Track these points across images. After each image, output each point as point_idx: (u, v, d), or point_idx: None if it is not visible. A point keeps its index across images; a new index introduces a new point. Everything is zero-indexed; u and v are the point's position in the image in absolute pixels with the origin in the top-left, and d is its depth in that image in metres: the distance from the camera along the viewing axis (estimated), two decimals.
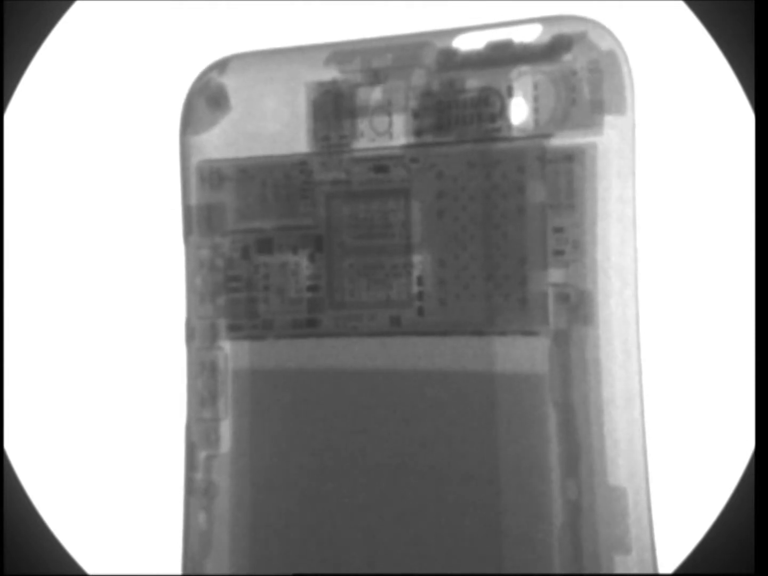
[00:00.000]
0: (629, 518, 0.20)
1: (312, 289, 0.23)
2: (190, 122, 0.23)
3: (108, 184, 0.25)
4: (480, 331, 0.21)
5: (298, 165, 0.23)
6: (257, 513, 0.23)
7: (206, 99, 0.23)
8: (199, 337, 0.23)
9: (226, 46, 0.23)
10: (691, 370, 0.21)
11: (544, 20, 0.21)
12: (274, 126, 0.23)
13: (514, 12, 0.21)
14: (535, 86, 0.21)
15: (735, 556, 0.20)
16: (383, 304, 0.22)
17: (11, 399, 0.25)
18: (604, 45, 0.20)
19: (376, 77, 0.22)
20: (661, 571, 0.20)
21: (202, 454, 0.23)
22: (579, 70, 0.21)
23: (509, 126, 0.21)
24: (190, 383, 0.23)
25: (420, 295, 0.22)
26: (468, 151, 0.21)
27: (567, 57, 0.21)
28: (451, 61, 0.22)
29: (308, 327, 0.23)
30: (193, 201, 0.23)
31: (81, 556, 0.24)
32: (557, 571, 0.21)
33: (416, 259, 0.22)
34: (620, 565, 0.20)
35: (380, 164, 0.22)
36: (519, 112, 0.21)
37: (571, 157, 0.21)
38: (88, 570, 0.24)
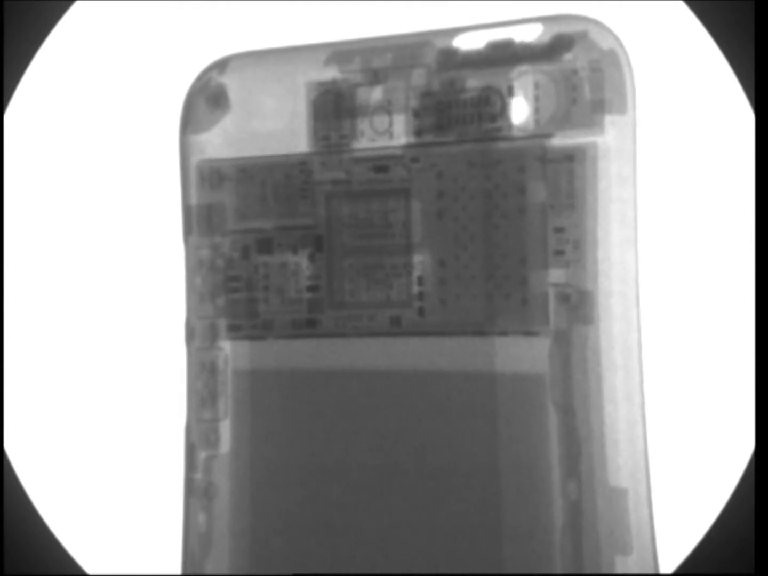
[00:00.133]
0: (630, 519, 0.20)
1: (312, 289, 0.23)
2: (190, 122, 0.23)
3: (108, 184, 0.25)
4: (480, 331, 0.21)
5: (298, 165, 0.23)
6: (257, 513, 0.23)
7: (206, 99, 0.23)
8: (199, 337, 0.23)
9: (226, 46, 0.23)
10: (691, 370, 0.21)
11: (544, 20, 0.21)
12: (274, 126, 0.23)
13: (514, 11, 0.21)
14: (536, 86, 0.21)
15: (735, 556, 0.20)
16: (383, 305, 0.22)
17: (11, 399, 0.25)
18: (605, 44, 0.20)
19: (376, 77, 0.22)
20: (661, 571, 0.20)
21: (201, 455, 0.23)
22: (580, 70, 0.21)
23: (510, 126, 0.21)
24: (189, 383, 0.23)
25: (420, 296, 0.22)
26: (468, 151, 0.21)
27: (568, 56, 0.21)
28: (451, 60, 0.22)
29: (308, 327, 0.23)
30: (193, 201, 0.23)
31: (81, 556, 0.24)
32: (558, 571, 0.21)
33: (416, 259, 0.22)
34: (621, 565, 0.20)
35: (380, 164, 0.22)
36: (519, 111, 0.21)
37: (572, 157, 0.21)
38: (88, 570, 0.24)
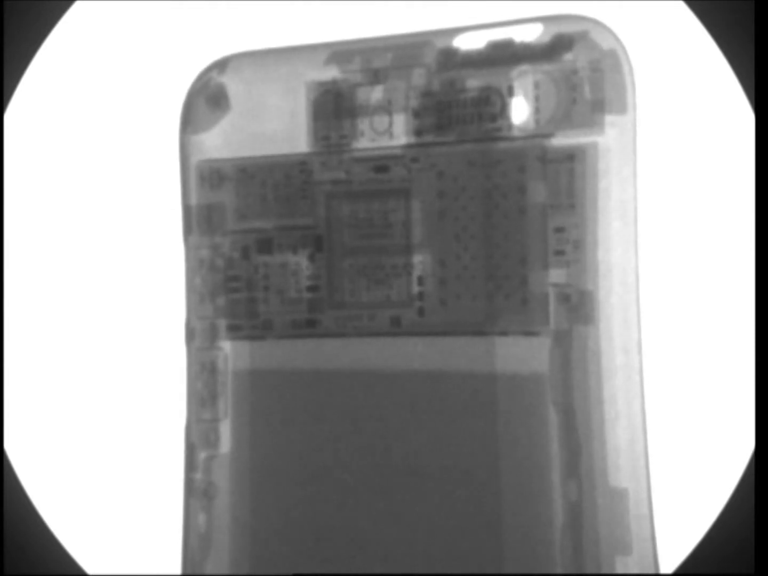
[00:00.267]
0: (630, 519, 0.20)
1: (312, 289, 0.23)
2: (190, 122, 0.23)
3: (108, 184, 0.25)
4: (480, 331, 0.21)
5: (298, 165, 0.23)
6: (257, 513, 0.23)
7: (206, 98, 0.23)
8: (199, 337, 0.23)
9: (226, 46, 0.23)
10: (691, 370, 0.21)
11: (544, 19, 0.21)
12: (274, 126, 0.23)
13: (514, 11, 0.21)
14: (536, 86, 0.21)
15: (735, 556, 0.20)
16: (383, 305, 0.22)
17: (11, 399, 0.25)
18: (605, 44, 0.20)
19: (376, 77, 0.22)
20: (661, 571, 0.20)
21: (201, 455, 0.23)
22: (580, 70, 0.21)
23: (510, 125, 0.21)
24: (189, 384, 0.23)
25: (420, 296, 0.22)
26: (468, 151, 0.21)
27: (568, 56, 0.21)
28: (451, 60, 0.22)
29: (308, 327, 0.23)
30: (193, 201, 0.23)
31: (81, 556, 0.24)
32: (558, 571, 0.21)
33: (416, 259, 0.22)
34: (621, 565, 0.20)
35: (380, 164, 0.22)
36: (520, 111, 0.21)
37: (572, 157, 0.21)
38: (88, 570, 0.24)
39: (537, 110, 0.21)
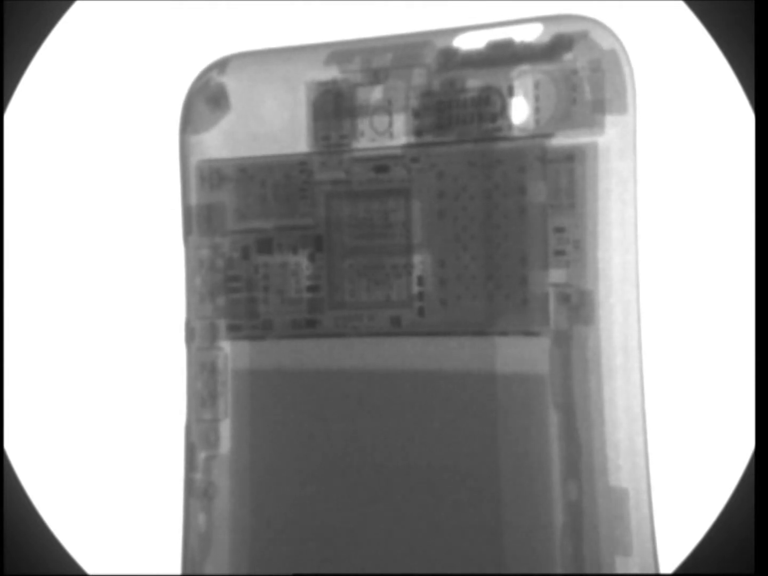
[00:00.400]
0: (630, 519, 0.20)
1: (312, 289, 0.23)
2: (190, 122, 0.23)
3: (108, 184, 0.25)
4: (481, 331, 0.21)
5: (298, 165, 0.23)
6: (257, 513, 0.23)
7: (206, 98, 0.23)
8: (199, 337, 0.23)
9: (226, 46, 0.23)
10: (691, 370, 0.21)
11: (545, 19, 0.21)
12: (274, 126, 0.23)
13: (514, 11, 0.21)
14: (536, 85, 0.21)
15: (735, 556, 0.20)
16: (383, 305, 0.22)
17: (11, 399, 0.25)
18: (606, 44, 0.20)
19: (376, 77, 0.22)
20: (661, 571, 0.20)
21: (201, 455, 0.23)
22: (580, 70, 0.21)
23: (510, 125, 0.21)
24: (189, 384, 0.23)
25: (420, 296, 0.22)
26: (469, 151, 0.21)
27: (568, 56, 0.21)
28: (451, 60, 0.22)
29: (308, 327, 0.23)
30: (193, 201, 0.23)
31: (81, 556, 0.24)
32: (558, 571, 0.21)
33: (417, 259, 0.22)
34: (621, 565, 0.20)
35: (380, 164, 0.22)
36: (520, 111, 0.21)
37: (572, 157, 0.21)
38: (88, 570, 0.24)
39: (537, 110, 0.21)
